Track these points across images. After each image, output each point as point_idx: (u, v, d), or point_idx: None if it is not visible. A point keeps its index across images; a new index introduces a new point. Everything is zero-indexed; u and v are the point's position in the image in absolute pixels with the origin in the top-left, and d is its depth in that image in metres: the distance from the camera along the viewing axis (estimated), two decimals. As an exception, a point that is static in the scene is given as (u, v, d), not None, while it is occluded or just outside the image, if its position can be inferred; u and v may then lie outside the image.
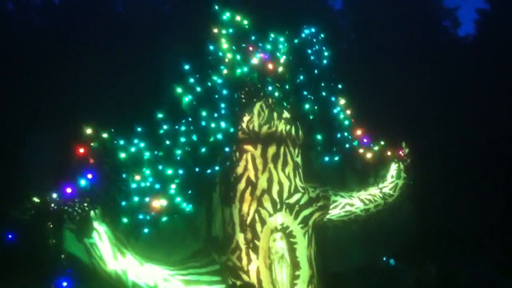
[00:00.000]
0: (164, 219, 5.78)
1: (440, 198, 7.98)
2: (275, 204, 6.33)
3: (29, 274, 5.37)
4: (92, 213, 5.41)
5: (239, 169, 6.35)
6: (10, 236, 5.23)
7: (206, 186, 6.22)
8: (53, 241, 5.33)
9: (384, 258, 8.20)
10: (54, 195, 5.29)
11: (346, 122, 7.15)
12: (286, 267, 6.29)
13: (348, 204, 7.15)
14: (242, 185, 6.31)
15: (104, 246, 5.50)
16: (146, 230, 5.67)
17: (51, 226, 5.29)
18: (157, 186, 5.78)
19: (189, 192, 5.97)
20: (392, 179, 7.61)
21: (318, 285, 6.53)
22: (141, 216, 5.64)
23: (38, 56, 6.18)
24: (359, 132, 7.27)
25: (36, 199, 5.26)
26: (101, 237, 5.50)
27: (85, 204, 5.38)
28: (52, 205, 5.28)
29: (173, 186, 5.85)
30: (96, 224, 5.46)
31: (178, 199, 5.85)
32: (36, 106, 6.08)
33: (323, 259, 6.75)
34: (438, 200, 8.02)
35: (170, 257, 6.08)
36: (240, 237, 6.19)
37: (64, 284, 5.27)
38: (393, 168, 7.67)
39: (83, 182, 5.40)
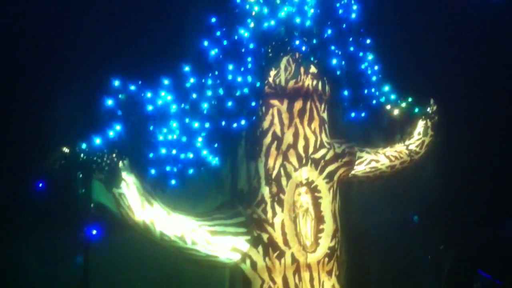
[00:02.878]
0: (191, 171, 5.85)
1: (469, 156, 7.89)
2: (300, 159, 6.36)
3: (59, 223, 5.51)
4: (120, 164, 5.48)
5: (265, 124, 6.37)
6: (40, 185, 5.36)
7: (232, 140, 6.27)
8: (82, 191, 5.45)
9: (409, 215, 8.15)
10: (83, 146, 5.37)
11: (374, 78, 7.05)
12: (310, 220, 6.38)
13: (374, 160, 7.14)
14: (268, 139, 6.34)
15: (132, 196, 5.59)
16: (173, 182, 5.75)
17: (81, 176, 5.41)
18: (184, 139, 5.83)
19: (215, 145, 6.02)
20: (419, 136, 7.56)
21: (342, 240, 6.62)
22: (168, 168, 5.71)
23: (66, 8, 6.18)
24: (386, 88, 7.18)
25: (65, 150, 5.35)
26: (129, 187, 5.58)
27: (114, 155, 5.45)
28: (82, 155, 5.36)
29: (199, 139, 5.90)
30: (124, 174, 5.54)
31: (204, 152, 5.91)
32: (64, 57, 6.11)
33: (347, 214, 6.83)
34: (467, 159, 7.92)
35: (196, 208, 6.17)
36: (266, 191, 6.25)
37: (94, 232, 5.43)
38: (420, 125, 7.60)
39: (111, 134, 5.47)
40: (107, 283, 6.05)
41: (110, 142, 5.45)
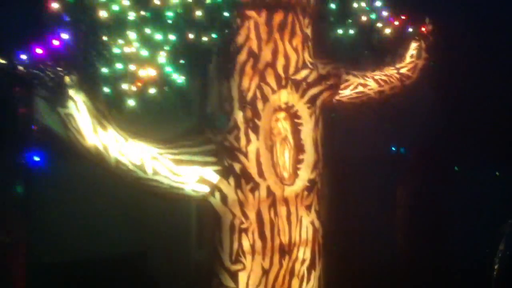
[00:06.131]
0: (152, 91, 5.08)
1: (466, 83, 7.27)
2: (279, 80, 5.64)
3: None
4: (67, 79, 4.70)
5: (240, 38, 5.57)
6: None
7: (201, 55, 5.42)
8: (22, 110, 4.73)
9: (394, 148, 7.62)
10: (23, 57, 4.56)
11: (365, -10, 6.30)
12: (289, 150, 5.76)
13: (361, 84, 6.47)
14: (242, 56, 5.57)
15: (82, 118, 4.85)
16: (131, 102, 4.98)
17: (20, 92, 4.65)
18: (144, 52, 5.02)
19: (181, 61, 5.22)
20: (411, 59, 6.91)
21: (323, 171, 6.03)
22: (125, 86, 4.93)
23: None
24: (378, 3, 6.43)
25: (1, 61, 4.52)
26: (78, 107, 4.82)
27: (59, 69, 4.66)
28: (20, 68, 4.56)
29: (162, 53, 5.10)
30: (72, 92, 4.77)
31: (168, 69, 5.13)
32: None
33: (329, 143, 6.23)
34: (463, 85, 7.31)
35: (159, 134, 5.51)
36: (239, 115, 5.55)
37: (36, 158, 4.73)
38: (414, 47, 6.92)
39: (56, 43, 4.65)
40: (54, 217, 5.45)
41: (55, 53, 4.63)
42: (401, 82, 6.74)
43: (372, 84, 6.53)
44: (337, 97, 6.30)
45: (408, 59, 6.92)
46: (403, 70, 6.82)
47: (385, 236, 7.16)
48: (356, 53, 6.58)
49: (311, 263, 5.81)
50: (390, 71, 6.77)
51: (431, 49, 6.92)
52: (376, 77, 6.61)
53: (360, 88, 6.46)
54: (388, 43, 6.67)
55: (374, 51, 6.67)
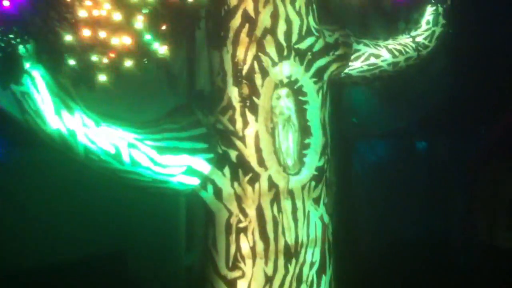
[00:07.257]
0: (128, 63, 4.23)
1: (488, 51, 6.56)
2: (281, 49, 4.81)
3: None
4: (21, 48, 3.85)
5: (233, 0, 4.73)
6: None
7: (186, 20, 4.59)
8: None
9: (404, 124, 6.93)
10: (-35, 22, 3.69)
11: None
12: (293, 132, 4.97)
13: (373, 55, 5.66)
14: (236, 21, 4.73)
15: (42, 97, 4.01)
16: (102, 78, 4.13)
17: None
18: (117, 16, 4.16)
19: (163, 27, 4.36)
20: (427, 26, 6.10)
21: (332, 156, 5.25)
22: (94, 57, 4.07)
23: None
24: (390, -39, 5.67)
25: None
26: (36, 84, 3.98)
27: (11, 36, 3.79)
28: (-39, 36, 3.71)
29: (139, 17, 4.23)
30: (28, 65, 3.93)
31: (147, 36, 4.28)
32: None
33: (339, 124, 5.63)
34: (485, 54, 6.60)
35: (138, 116, 4.72)
36: (234, 92, 4.74)
37: None
38: (430, 12, 6.14)
39: (6, 3, 3.76)
40: (12, 215, 4.64)
41: (5, 16, 3.75)
42: (417, 52, 5.96)
43: (385, 55, 5.74)
44: (346, 71, 5.50)
45: (424, 26, 6.13)
46: (419, 39, 6.05)
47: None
48: (367, 19, 5.93)
49: (320, 266, 5.03)
50: (405, 40, 6.00)
51: (449, 14, 6.13)
52: (390, 47, 5.81)
53: (372, 60, 5.65)
54: (402, 7, 6.00)
55: (387, 16, 5.99)
